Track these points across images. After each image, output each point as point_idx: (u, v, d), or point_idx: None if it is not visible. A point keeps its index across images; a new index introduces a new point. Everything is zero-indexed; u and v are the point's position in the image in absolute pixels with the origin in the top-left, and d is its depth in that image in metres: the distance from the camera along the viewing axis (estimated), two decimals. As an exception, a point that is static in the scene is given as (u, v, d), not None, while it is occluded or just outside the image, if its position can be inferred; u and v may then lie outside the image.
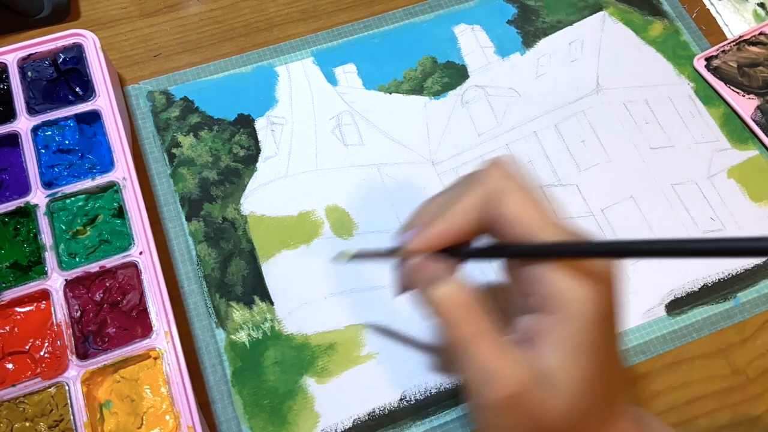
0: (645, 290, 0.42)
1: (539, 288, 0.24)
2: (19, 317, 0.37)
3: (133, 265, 0.37)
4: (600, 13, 0.51)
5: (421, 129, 0.46)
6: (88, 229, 0.39)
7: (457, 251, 0.27)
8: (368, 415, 0.38)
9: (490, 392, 0.23)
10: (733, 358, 0.40)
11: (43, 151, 0.41)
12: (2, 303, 0.36)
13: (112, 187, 0.40)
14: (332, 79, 0.48)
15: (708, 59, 0.49)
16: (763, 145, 0.47)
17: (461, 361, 0.25)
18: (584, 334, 0.23)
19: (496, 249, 0.26)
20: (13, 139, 0.41)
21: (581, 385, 0.23)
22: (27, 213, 0.39)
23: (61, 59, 0.43)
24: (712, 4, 0.53)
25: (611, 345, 0.24)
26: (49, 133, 0.41)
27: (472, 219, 0.26)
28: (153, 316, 0.36)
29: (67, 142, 0.41)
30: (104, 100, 0.42)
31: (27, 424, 0.34)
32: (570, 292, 0.23)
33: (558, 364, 0.23)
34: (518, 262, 0.25)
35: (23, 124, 0.41)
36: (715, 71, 0.49)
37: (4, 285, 0.37)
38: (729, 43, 0.50)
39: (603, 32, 0.51)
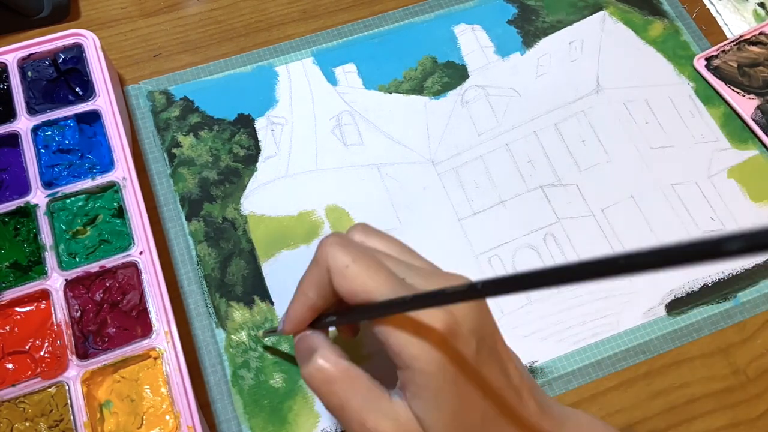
0: (645, 290, 0.42)
1: (388, 348, 0.26)
2: (19, 317, 0.37)
3: (133, 265, 0.37)
4: (600, 13, 0.51)
5: (421, 129, 0.46)
6: (88, 229, 0.39)
7: (317, 323, 0.30)
8: (368, 415, 0.38)
9: None
10: (733, 358, 0.40)
11: (43, 151, 0.41)
12: (2, 303, 0.36)
13: (112, 187, 0.40)
14: (332, 79, 0.48)
15: (708, 59, 0.49)
16: (763, 145, 0.47)
17: (342, 421, 0.27)
18: (435, 381, 0.25)
19: (341, 314, 0.29)
20: (13, 139, 0.41)
21: (445, 426, 0.25)
22: (27, 213, 0.39)
23: (61, 59, 0.43)
24: (712, 3, 0.53)
25: (469, 381, 0.26)
26: (49, 133, 0.41)
27: (314, 298, 0.29)
28: (153, 316, 0.36)
29: (67, 142, 0.41)
30: (104, 100, 0.42)
31: (27, 424, 0.34)
32: (407, 350, 0.25)
33: (421, 412, 0.25)
34: (369, 324, 0.27)
35: (23, 124, 0.41)
36: (715, 71, 0.49)
37: (4, 285, 0.37)
38: (729, 43, 0.50)
39: (603, 32, 0.51)
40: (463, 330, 0.25)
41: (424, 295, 0.23)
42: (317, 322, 0.30)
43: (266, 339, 0.40)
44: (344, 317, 0.29)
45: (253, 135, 0.45)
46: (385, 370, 0.28)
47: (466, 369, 0.25)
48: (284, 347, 0.39)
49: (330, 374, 0.27)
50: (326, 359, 0.27)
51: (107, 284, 0.37)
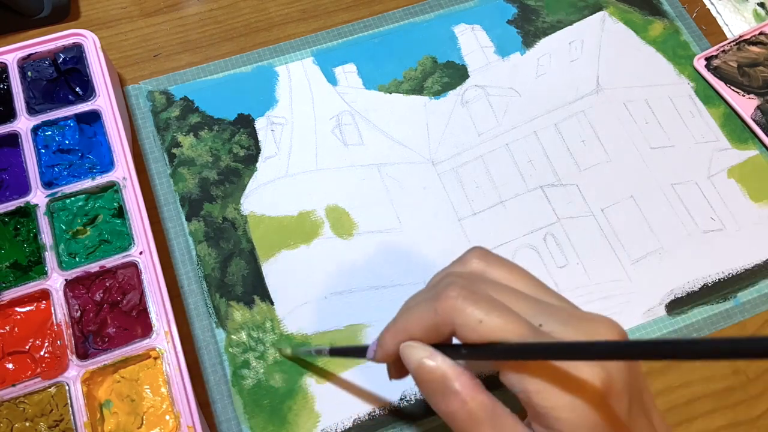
0: (645, 290, 0.42)
1: (528, 405, 0.24)
2: (19, 317, 0.37)
3: (133, 265, 0.37)
4: (600, 13, 0.51)
5: (421, 129, 0.46)
6: (88, 229, 0.39)
7: (445, 349, 0.26)
8: (368, 415, 0.38)
9: None
10: (733, 358, 0.40)
11: (43, 151, 0.41)
12: (2, 303, 0.36)
13: (112, 187, 0.40)
14: (332, 79, 0.48)
15: (708, 59, 0.49)
16: (763, 144, 0.47)
17: None
18: None
19: (474, 350, 0.25)
20: (13, 139, 0.41)
21: None
22: (27, 213, 0.39)
23: (61, 59, 0.43)
24: (712, 3, 0.53)
25: None
26: (49, 133, 0.41)
27: (418, 338, 0.26)
28: (153, 316, 0.36)
29: (67, 142, 0.41)
30: (104, 100, 0.42)
31: (27, 424, 0.34)
32: (557, 413, 0.23)
33: None
34: (503, 374, 0.24)
35: (23, 124, 0.41)
36: (715, 71, 0.49)
37: (4, 285, 0.37)
38: (729, 43, 0.50)
39: (603, 32, 0.51)
40: (617, 387, 0.23)
41: (570, 345, 0.21)
42: (445, 348, 0.26)
43: (291, 354, 0.39)
44: (477, 354, 0.25)
45: (253, 135, 0.45)
46: None
47: (619, 429, 0.23)
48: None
49: (476, 414, 0.24)
50: (473, 397, 0.24)
51: (107, 284, 0.37)
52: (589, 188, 0.45)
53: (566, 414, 0.23)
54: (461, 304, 0.24)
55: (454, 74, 0.48)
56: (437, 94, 0.48)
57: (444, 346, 0.25)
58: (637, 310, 0.41)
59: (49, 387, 0.34)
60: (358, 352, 0.31)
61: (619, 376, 0.23)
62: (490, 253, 0.27)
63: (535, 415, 0.24)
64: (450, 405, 0.24)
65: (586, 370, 0.22)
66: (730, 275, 0.42)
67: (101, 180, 0.39)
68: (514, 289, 0.26)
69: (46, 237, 0.38)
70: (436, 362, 0.25)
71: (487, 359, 0.24)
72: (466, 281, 0.25)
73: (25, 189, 0.39)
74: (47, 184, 0.39)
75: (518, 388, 0.24)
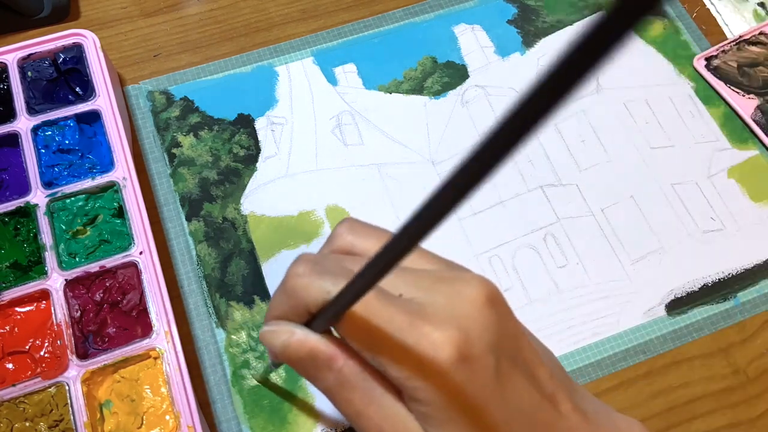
0: (645, 290, 0.42)
1: (389, 376, 0.23)
2: (19, 317, 0.37)
3: (133, 265, 0.37)
4: (600, 13, 0.51)
5: (421, 129, 0.46)
6: (88, 229, 0.39)
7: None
8: (368, 415, 0.38)
9: None
10: (733, 358, 0.40)
11: (43, 151, 0.41)
12: (2, 303, 0.36)
13: (112, 187, 0.40)
14: (332, 79, 0.48)
15: (708, 59, 0.49)
16: (763, 145, 0.47)
17: (358, 429, 0.24)
18: (443, 413, 0.22)
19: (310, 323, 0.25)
20: (13, 139, 0.41)
21: None
22: (27, 213, 0.39)
23: (61, 59, 0.43)
24: (712, 3, 0.53)
25: (486, 402, 0.22)
26: (49, 133, 0.41)
27: (289, 317, 0.25)
28: (153, 316, 0.36)
29: (67, 142, 0.41)
30: (104, 100, 0.42)
31: (27, 424, 0.34)
32: (410, 382, 0.22)
33: None
34: (362, 350, 0.23)
35: (23, 124, 0.41)
36: (715, 71, 0.49)
37: (4, 285, 0.37)
38: (729, 43, 0.50)
39: (603, 32, 0.51)
40: (477, 349, 0.22)
41: (371, 264, 0.19)
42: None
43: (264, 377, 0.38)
44: (319, 323, 0.24)
45: (253, 135, 0.45)
46: None
47: (484, 393, 0.22)
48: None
49: (346, 380, 0.24)
50: (343, 364, 0.24)
51: (107, 284, 0.38)
52: (589, 188, 0.45)
53: (421, 383, 0.22)
54: (307, 279, 0.23)
55: (454, 74, 0.48)
56: (437, 94, 0.48)
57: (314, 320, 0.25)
58: (637, 310, 0.41)
59: (49, 387, 0.34)
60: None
61: (480, 335, 0.22)
62: (357, 223, 0.26)
63: (399, 391, 0.23)
64: (326, 377, 0.24)
65: (438, 335, 0.21)
66: (730, 275, 0.42)
67: (101, 180, 0.39)
68: None
69: (46, 237, 0.38)
70: (299, 338, 0.24)
71: (328, 324, 0.23)
72: (316, 256, 0.24)
73: (25, 189, 0.39)
74: (47, 184, 0.39)
75: (375, 362, 0.23)
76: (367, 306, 0.22)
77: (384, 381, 0.24)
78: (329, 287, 0.23)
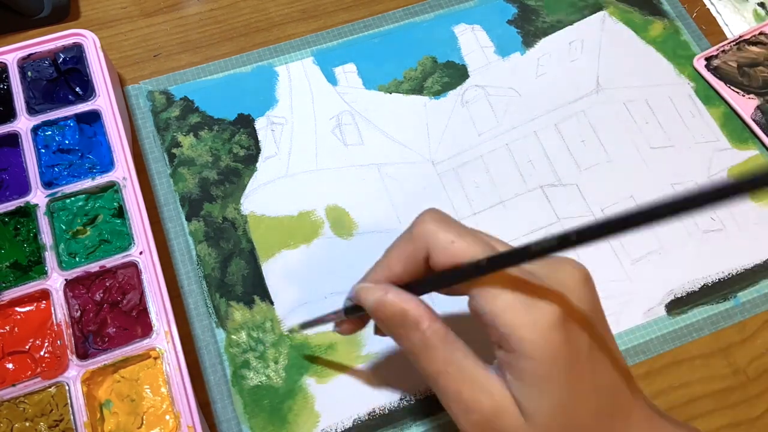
0: (645, 290, 0.42)
1: (493, 327, 0.24)
2: (19, 317, 0.37)
3: (133, 265, 0.37)
4: (600, 13, 0.51)
5: (421, 129, 0.46)
6: (88, 228, 0.39)
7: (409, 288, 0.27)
8: (368, 415, 0.38)
9: (464, 419, 0.25)
10: (733, 358, 0.40)
11: (43, 151, 0.41)
12: (2, 303, 0.36)
13: (112, 187, 0.40)
14: (332, 79, 0.48)
15: (708, 59, 0.49)
16: (763, 144, 0.47)
17: (437, 389, 0.26)
18: (544, 368, 0.23)
19: (439, 279, 0.26)
20: (13, 139, 0.41)
21: (549, 415, 0.24)
22: (27, 213, 0.39)
23: (61, 59, 0.43)
24: (712, 3, 0.53)
25: (581, 369, 0.24)
26: (49, 133, 0.41)
27: (399, 273, 0.27)
28: (153, 316, 0.36)
29: (67, 142, 0.41)
30: (104, 100, 0.42)
31: (27, 423, 0.34)
32: (518, 332, 0.23)
33: (523, 398, 0.24)
34: (472, 298, 0.25)
35: (23, 124, 0.41)
36: (715, 71, 0.49)
37: (4, 285, 0.37)
38: (729, 43, 0.50)
39: (603, 32, 0.51)
40: (579, 315, 0.24)
41: (526, 248, 0.21)
42: (411, 286, 0.27)
43: (303, 331, 0.39)
44: (442, 282, 0.26)
45: (253, 135, 0.45)
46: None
47: (581, 359, 0.24)
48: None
49: (430, 341, 0.25)
50: (429, 325, 0.25)
51: (107, 284, 0.38)
52: (589, 188, 0.45)
53: (528, 333, 0.23)
54: (435, 226, 0.26)
55: (454, 74, 0.48)
56: (437, 94, 0.48)
57: (410, 285, 0.27)
58: (637, 310, 0.41)
59: (49, 387, 0.34)
60: (331, 316, 0.32)
61: (581, 302, 0.24)
62: (445, 215, 0.28)
63: (499, 338, 0.24)
64: (412, 336, 0.26)
65: (550, 296, 0.24)
66: (730, 275, 0.42)
67: (101, 180, 0.39)
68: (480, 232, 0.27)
69: (46, 237, 0.38)
70: (393, 298, 0.26)
71: (457, 282, 0.25)
72: (441, 214, 0.27)
73: (25, 189, 0.39)
74: (47, 184, 0.39)
75: (484, 309, 0.24)
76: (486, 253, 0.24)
77: (466, 348, 0.26)
78: (453, 237, 0.25)
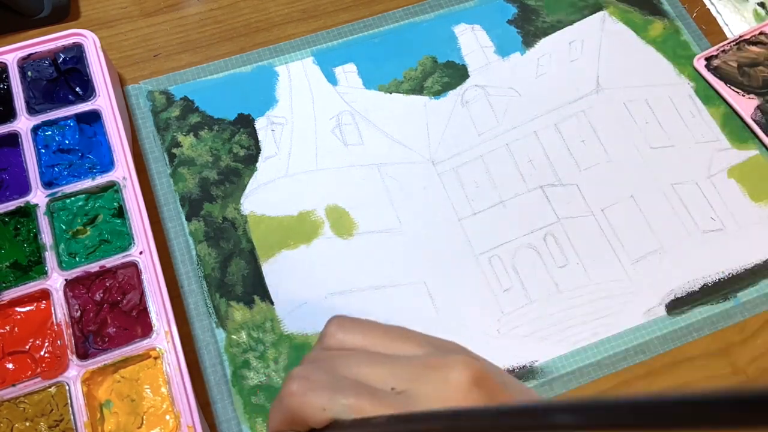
0: (645, 290, 0.42)
1: None
2: (19, 317, 0.37)
3: (133, 265, 0.37)
4: (600, 13, 0.51)
5: (421, 129, 0.46)
6: (88, 228, 0.39)
7: None
8: (368, 414, 0.38)
9: None
10: (734, 358, 0.40)
11: (43, 150, 0.41)
12: (2, 303, 0.36)
13: (112, 187, 0.40)
14: (332, 79, 0.48)
15: (708, 59, 0.49)
16: (763, 144, 0.47)
17: None
18: None
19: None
20: (13, 138, 0.41)
21: None
22: (27, 213, 0.39)
23: (61, 59, 0.43)
24: (712, 3, 0.53)
25: None
26: (49, 132, 0.41)
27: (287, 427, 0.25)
28: (153, 316, 0.36)
29: (67, 141, 0.41)
30: (104, 100, 0.42)
31: (27, 423, 0.34)
32: None
33: None
34: None
35: (23, 123, 0.41)
36: (715, 71, 0.49)
37: (4, 285, 0.37)
38: (729, 43, 0.50)
39: (603, 32, 0.51)
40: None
41: (418, 415, 0.20)
42: None
43: None
44: None
45: (253, 135, 0.45)
46: None
47: None
48: None
49: None
50: None
51: (107, 284, 0.38)
52: (589, 188, 0.45)
53: None
54: (301, 398, 0.23)
55: (454, 74, 0.48)
56: (437, 94, 0.48)
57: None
58: (637, 310, 0.41)
59: (49, 387, 0.34)
60: None
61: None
62: (345, 319, 0.27)
63: None
64: None
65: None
66: (730, 275, 0.42)
67: (101, 180, 0.39)
68: (370, 353, 0.25)
69: (46, 237, 0.38)
70: None
71: None
72: (308, 368, 0.24)
73: (25, 189, 0.39)
74: (47, 184, 0.39)
75: None
76: (362, 411, 0.22)
77: None
78: (324, 403, 0.23)
